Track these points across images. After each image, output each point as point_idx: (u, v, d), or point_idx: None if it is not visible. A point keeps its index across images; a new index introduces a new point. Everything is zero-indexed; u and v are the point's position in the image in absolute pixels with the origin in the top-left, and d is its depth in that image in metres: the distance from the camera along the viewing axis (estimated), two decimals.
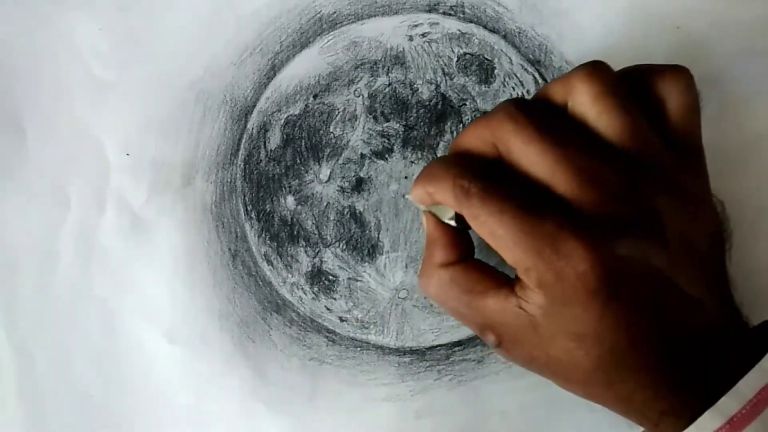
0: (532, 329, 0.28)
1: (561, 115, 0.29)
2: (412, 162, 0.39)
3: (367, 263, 0.39)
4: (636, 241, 0.27)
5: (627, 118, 0.28)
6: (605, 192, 0.27)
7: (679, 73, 0.31)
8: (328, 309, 0.39)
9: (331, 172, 0.39)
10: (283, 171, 0.39)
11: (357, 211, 0.39)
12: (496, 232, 0.27)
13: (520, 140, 0.28)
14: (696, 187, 0.30)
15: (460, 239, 0.32)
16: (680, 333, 0.28)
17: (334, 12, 0.39)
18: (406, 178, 0.39)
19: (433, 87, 0.39)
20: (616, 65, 0.38)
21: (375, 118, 0.39)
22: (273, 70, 0.39)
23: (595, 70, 0.29)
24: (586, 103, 0.28)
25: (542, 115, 0.29)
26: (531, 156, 0.28)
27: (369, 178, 0.39)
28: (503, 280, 0.30)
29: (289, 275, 0.39)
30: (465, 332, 0.38)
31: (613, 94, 0.28)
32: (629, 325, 0.27)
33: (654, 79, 0.31)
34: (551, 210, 0.27)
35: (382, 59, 0.39)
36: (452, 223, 0.31)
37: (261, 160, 0.39)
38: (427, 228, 0.32)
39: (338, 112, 0.39)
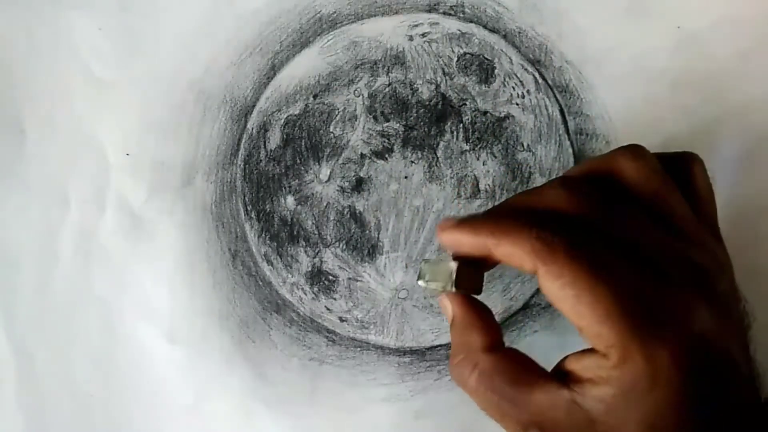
0: (587, 425, 0.25)
1: (617, 189, 0.28)
2: (412, 162, 0.39)
3: (367, 263, 0.39)
4: (718, 326, 0.25)
5: (677, 201, 0.28)
6: (685, 271, 0.26)
7: (698, 160, 0.30)
8: (328, 309, 0.39)
9: (331, 172, 0.39)
10: (283, 171, 0.39)
11: (357, 211, 0.39)
12: (582, 298, 0.24)
13: (586, 216, 0.26)
14: (728, 263, 0.30)
15: (495, 322, 0.29)
16: (734, 405, 0.26)
17: (334, 12, 0.39)
18: (406, 177, 0.39)
19: (433, 87, 0.39)
20: (617, 65, 0.38)
21: (375, 117, 0.39)
22: (273, 70, 0.39)
23: (639, 154, 0.28)
24: (638, 186, 0.28)
25: (601, 190, 0.27)
26: (601, 230, 0.26)
27: (369, 178, 0.39)
28: (545, 371, 0.27)
29: (289, 275, 0.39)
30: None
31: (661, 177, 0.28)
32: (704, 409, 0.25)
33: (677, 165, 0.30)
34: (641, 281, 0.25)
35: (382, 59, 0.39)
36: (452, 289, 0.28)
37: (261, 160, 0.39)
38: (455, 308, 0.29)
39: (338, 112, 0.39)
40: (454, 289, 0.28)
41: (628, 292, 0.24)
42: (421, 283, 0.29)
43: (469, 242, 0.27)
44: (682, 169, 0.30)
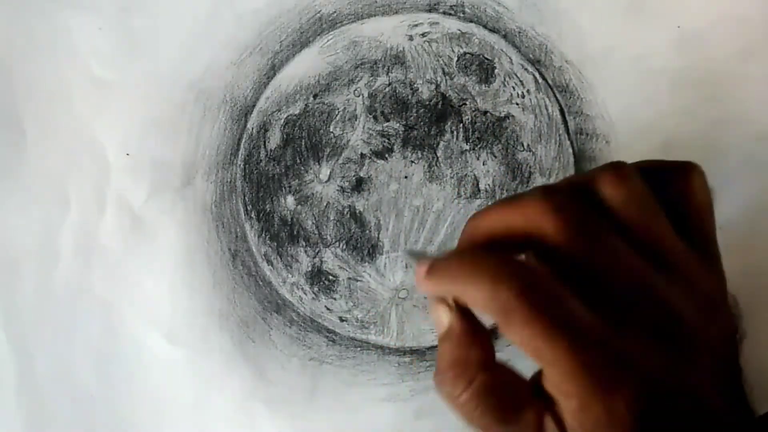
0: None
1: (601, 211, 0.26)
2: (412, 162, 0.39)
3: (367, 263, 0.39)
4: (678, 368, 0.25)
5: (661, 228, 0.26)
6: (654, 313, 0.25)
7: (698, 170, 0.29)
8: (328, 309, 0.39)
9: (331, 172, 0.39)
10: (283, 171, 0.39)
11: (357, 211, 0.39)
12: (540, 354, 0.24)
13: (567, 241, 0.25)
14: (718, 290, 0.28)
15: (488, 334, 0.28)
16: None
17: (334, 11, 0.39)
18: (406, 177, 0.39)
19: (433, 87, 0.39)
20: (617, 65, 0.38)
21: (375, 117, 0.39)
22: (273, 70, 0.39)
23: (621, 175, 0.26)
24: (619, 211, 0.26)
25: (587, 212, 0.26)
26: (577, 261, 0.25)
27: (369, 177, 0.39)
28: (531, 388, 0.27)
29: (289, 275, 0.39)
30: None
31: (644, 202, 0.26)
32: None
33: (673, 177, 0.29)
34: (600, 332, 0.25)
35: (382, 59, 0.39)
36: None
37: (261, 160, 0.39)
38: (454, 320, 0.28)
39: (338, 112, 0.39)
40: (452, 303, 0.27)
41: (589, 347, 0.24)
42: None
43: (442, 291, 0.27)
44: (679, 182, 0.29)
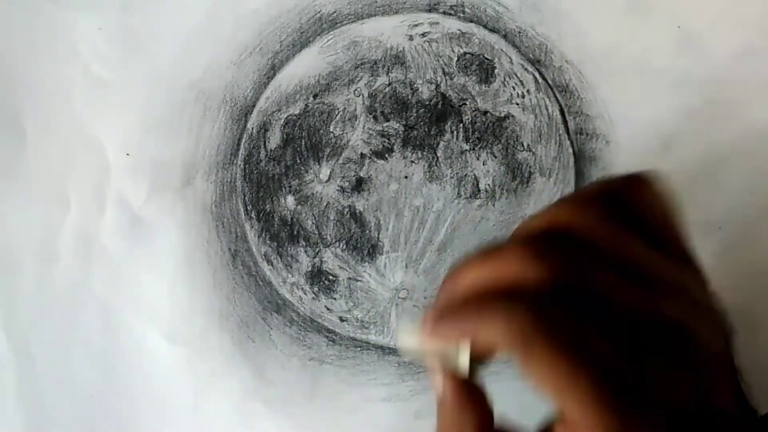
0: None
1: (579, 248, 0.26)
2: (412, 162, 0.39)
3: (367, 263, 0.39)
4: (700, 387, 0.25)
5: (635, 246, 0.26)
6: (662, 337, 0.25)
7: (650, 180, 0.29)
8: (328, 309, 0.39)
9: (331, 172, 0.39)
10: (283, 171, 0.39)
11: (357, 211, 0.39)
12: (565, 387, 0.23)
13: (554, 285, 0.24)
14: (705, 292, 0.28)
15: (485, 398, 0.28)
16: None
17: (334, 11, 0.39)
18: (406, 177, 0.39)
19: (433, 86, 0.39)
20: (617, 64, 0.38)
21: (375, 117, 0.39)
22: (273, 70, 0.39)
23: (577, 207, 0.26)
24: (593, 240, 0.26)
25: (568, 252, 0.25)
26: (570, 301, 0.25)
27: (369, 177, 0.39)
28: None
29: (289, 275, 0.39)
30: None
31: (612, 228, 0.26)
32: None
33: (630, 193, 0.28)
34: (620, 362, 0.24)
35: (382, 59, 0.39)
36: (464, 368, 0.27)
37: (261, 160, 0.39)
38: (446, 387, 0.27)
39: (338, 112, 0.39)
40: (464, 367, 0.27)
41: (611, 376, 0.23)
42: (406, 343, 0.27)
43: (455, 335, 0.26)
44: (636, 196, 0.28)
